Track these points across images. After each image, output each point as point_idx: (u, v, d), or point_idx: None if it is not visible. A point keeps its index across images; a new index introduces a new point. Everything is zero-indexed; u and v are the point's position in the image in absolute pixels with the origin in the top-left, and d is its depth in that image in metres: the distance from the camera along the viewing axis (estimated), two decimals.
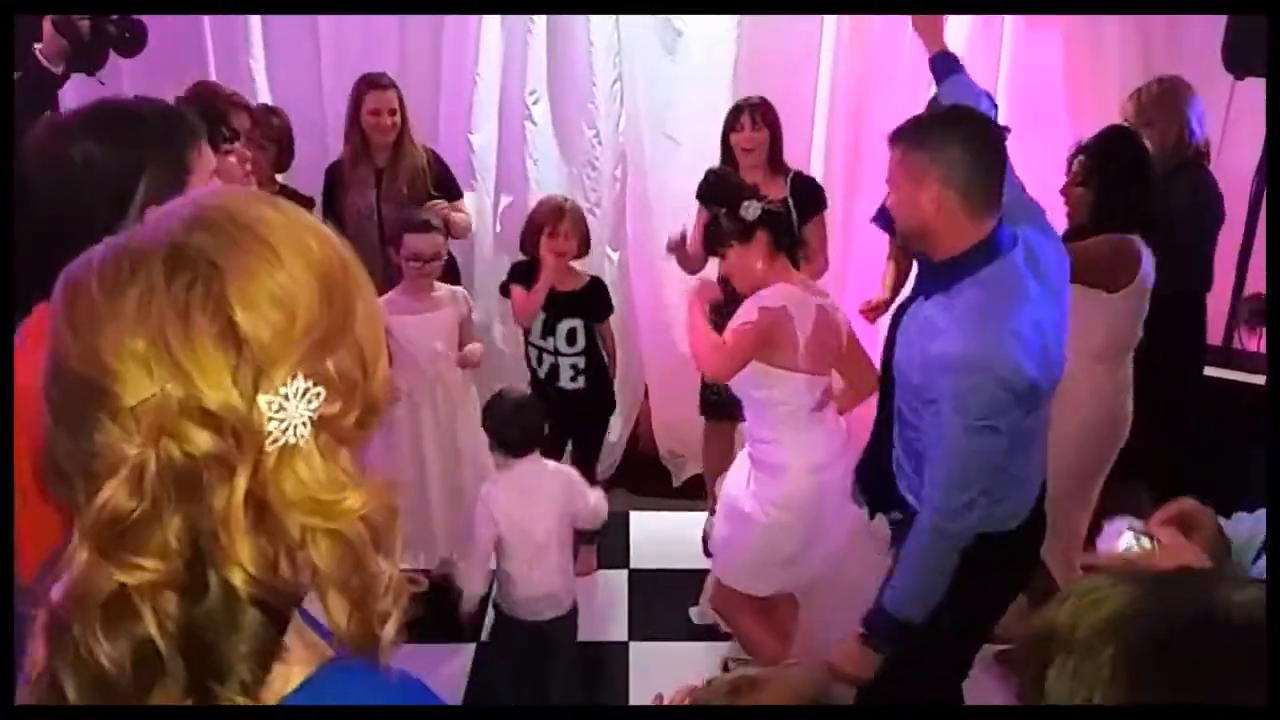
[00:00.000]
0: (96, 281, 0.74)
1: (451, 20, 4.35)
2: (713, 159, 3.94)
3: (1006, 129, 2.34)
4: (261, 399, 0.73)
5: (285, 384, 0.73)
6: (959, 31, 4.29)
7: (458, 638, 3.38)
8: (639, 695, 3.30)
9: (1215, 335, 3.99)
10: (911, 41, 4.36)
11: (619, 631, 3.66)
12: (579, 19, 4.28)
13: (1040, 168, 3.40)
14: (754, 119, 3.79)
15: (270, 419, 0.73)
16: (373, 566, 0.77)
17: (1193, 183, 3.53)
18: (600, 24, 4.28)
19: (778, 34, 4.33)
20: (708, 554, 3.60)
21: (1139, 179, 3.13)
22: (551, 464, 3.12)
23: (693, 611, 3.65)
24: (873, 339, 4.12)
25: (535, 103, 4.39)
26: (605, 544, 4.03)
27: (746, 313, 2.90)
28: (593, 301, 3.78)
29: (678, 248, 3.77)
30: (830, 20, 4.31)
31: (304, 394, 0.74)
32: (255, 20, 4.37)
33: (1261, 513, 1.67)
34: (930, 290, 2.30)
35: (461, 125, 4.41)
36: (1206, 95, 3.69)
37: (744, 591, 3.05)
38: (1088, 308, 2.80)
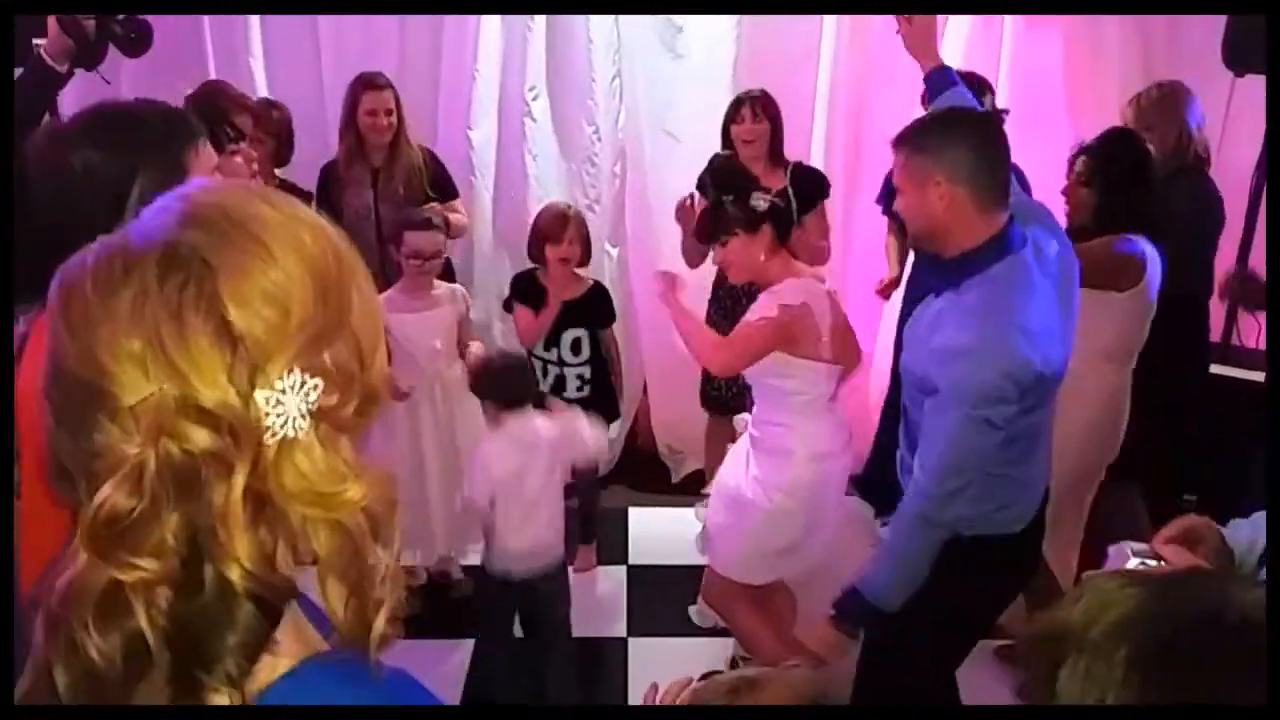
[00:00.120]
0: (90, 282, 0.74)
1: (451, 17, 4.35)
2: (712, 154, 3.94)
3: (1005, 111, 2.34)
4: (258, 394, 0.73)
5: (281, 379, 0.74)
6: (958, 32, 4.30)
7: (456, 634, 3.38)
8: (638, 692, 3.29)
9: (1214, 332, 3.99)
10: None
11: (618, 628, 3.67)
12: (578, 16, 4.28)
13: (1040, 168, 3.41)
14: (754, 111, 3.80)
15: (267, 414, 0.73)
16: (371, 557, 0.78)
17: (1193, 187, 3.54)
18: (600, 21, 4.28)
19: (778, 32, 4.33)
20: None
21: (1141, 180, 3.13)
22: (543, 420, 3.10)
23: (692, 611, 3.65)
24: (872, 325, 4.13)
25: (534, 99, 4.39)
26: (604, 540, 4.04)
27: (765, 308, 2.87)
28: (596, 309, 3.77)
29: (686, 212, 3.69)
30: (830, 19, 4.31)
31: (301, 387, 0.74)
32: (255, 19, 4.37)
33: (1260, 517, 1.66)
34: (941, 288, 2.32)
35: (461, 121, 4.41)
36: (1206, 93, 3.69)
37: (741, 581, 3.04)
38: (1096, 308, 2.81)
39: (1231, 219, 3.72)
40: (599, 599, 3.82)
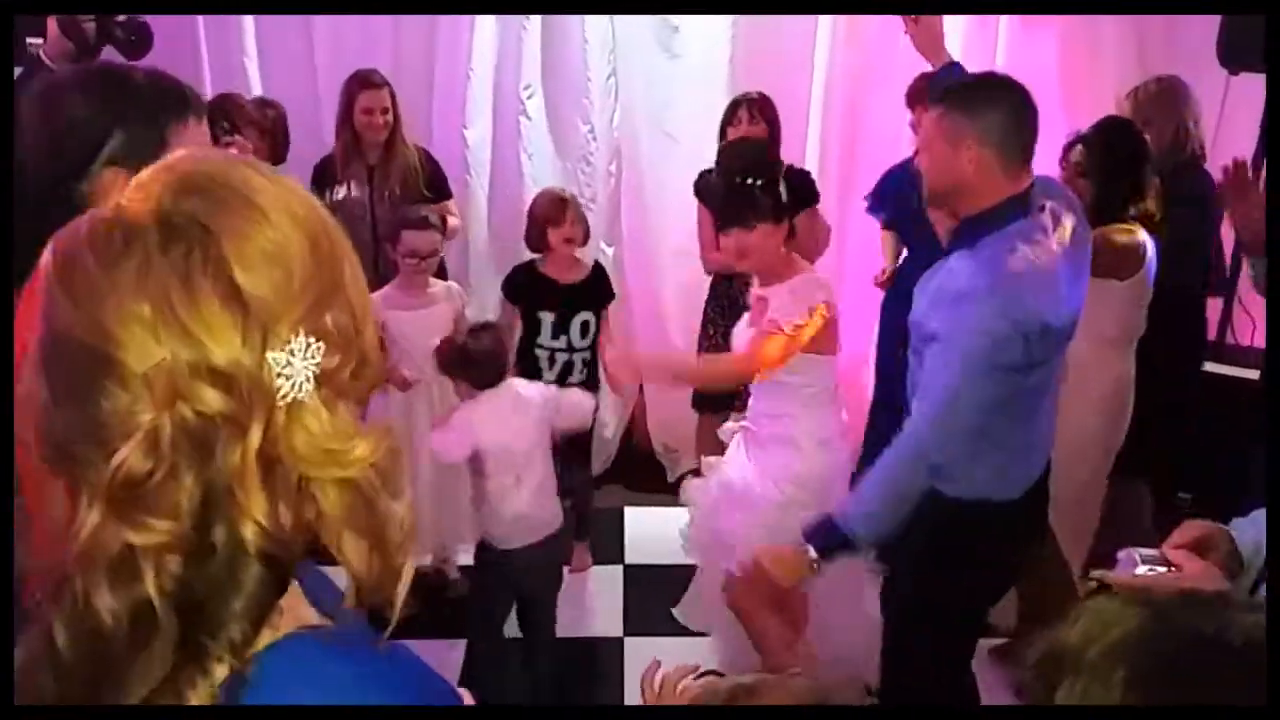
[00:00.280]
0: (90, 254, 0.75)
1: (446, 17, 4.34)
2: (708, 155, 3.94)
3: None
4: (270, 356, 0.74)
5: (291, 340, 0.75)
6: (954, 31, 4.29)
7: (452, 634, 3.38)
8: (634, 691, 3.29)
9: (1210, 330, 4.00)
10: (906, 39, 4.36)
11: (613, 627, 3.67)
12: (574, 15, 4.28)
13: (1036, 166, 3.40)
14: (751, 114, 3.80)
15: (279, 375, 0.74)
16: (384, 510, 0.80)
17: (1190, 184, 3.53)
18: (595, 20, 4.28)
19: (774, 32, 4.33)
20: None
21: (1138, 170, 3.14)
22: (521, 382, 3.08)
23: (675, 612, 3.63)
24: (867, 323, 4.12)
25: (530, 98, 4.39)
26: (600, 539, 4.04)
27: (793, 311, 2.81)
28: (599, 289, 3.76)
29: None
30: (825, 19, 4.31)
31: (307, 349, 0.76)
32: (249, 18, 4.36)
33: (1260, 515, 1.65)
34: (955, 247, 2.33)
35: (456, 120, 4.40)
36: (1201, 91, 3.69)
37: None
38: (1098, 296, 2.82)
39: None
40: (595, 599, 3.82)
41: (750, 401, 3.06)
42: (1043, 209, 2.30)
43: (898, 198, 3.66)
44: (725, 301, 3.82)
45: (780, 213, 2.85)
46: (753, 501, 2.94)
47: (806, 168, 4.16)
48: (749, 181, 2.86)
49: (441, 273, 3.90)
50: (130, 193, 0.78)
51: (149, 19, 3.20)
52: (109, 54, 3.25)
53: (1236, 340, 4.02)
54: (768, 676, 1.28)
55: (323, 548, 0.79)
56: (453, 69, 4.38)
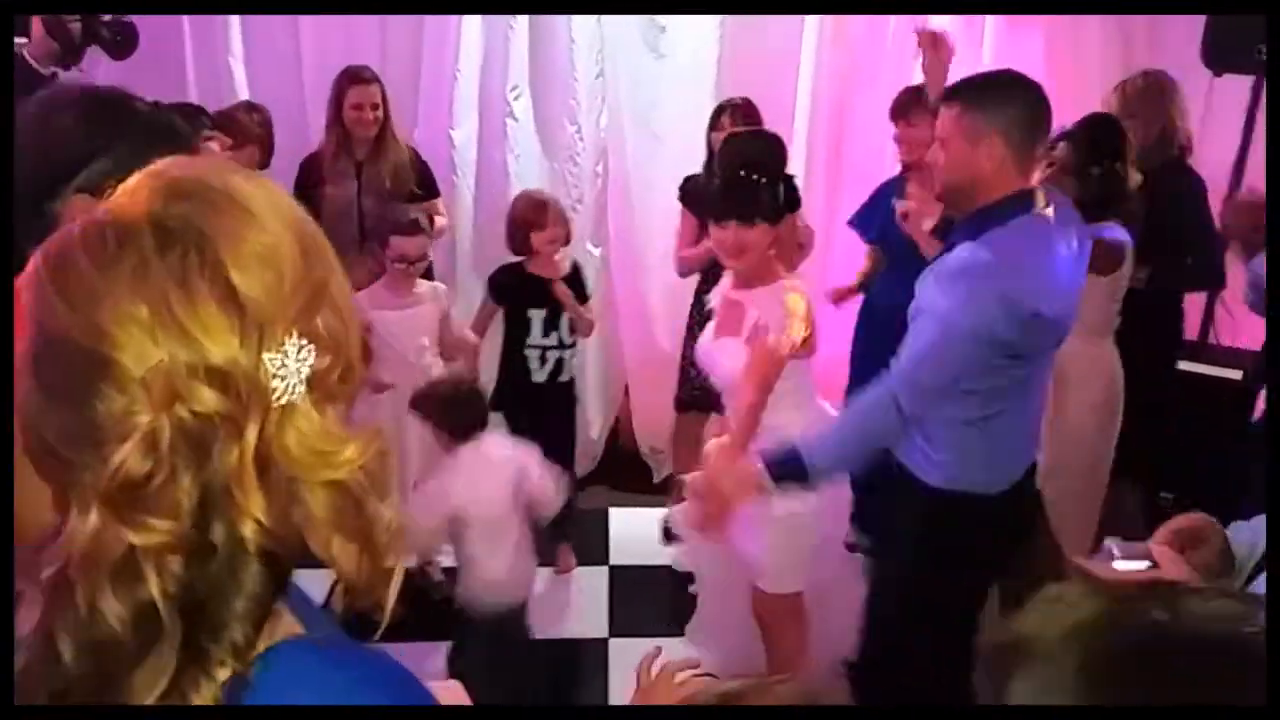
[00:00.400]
0: (84, 256, 0.75)
1: (433, 16, 4.33)
2: (695, 155, 3.95)
3: None
4: (266, 357, 0.75)
5: (285, 342, 0.76)
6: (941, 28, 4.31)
7: (436, 636, 3.37)
8: (619, 692, 3.30)
9: (1191, 330, 4.02)
10: (893, 41, 4.38)
11: (599, 628, 3.67)
12: (561, 15, 4.27)
13: None
14: (735, 119, 3.79)
15: (275, 376, 0.75)
16: (372, 512, 0.80)
17: (1176, 181, 3.55)
18: (582, 20, 4.28)
19: (760, 32, 4.34)
20: (668, 541, 3.55)
21: (1121, 167, 3.17)
22: (494, 440, 3.07)
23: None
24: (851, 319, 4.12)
25: (516, 98, 4.38)
26: (585, 541, 4.03)
27: (782, 318, 2.74)
28: (579, 286, 3.75)
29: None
30: (811, 20, 4.32)
31: (300, 351, 0.76)
32: (235, 17, 4.35)
33: (1260, 521, 1.66)
34: (959, 239, 2.36)
35: (442, 120, 4.40)
36: (1185, 92, 3.71)
37: (793, 591, 2.89)
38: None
39: None
40: (580, 600, 3.81)
41: (730, 415, 2.94)
42: (1049, 205, 2.35)
43: (883, 216, 3.66)
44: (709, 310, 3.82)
45: (778, 214, 2.79)
46: (775, 518, 2.75)
47: (792, 168, 4.16)
48: (754, 176, 2.77)
49: (428, 273, 3.89)
50: (119, 197, 0.79)
51: (135, 19, 3.20)
52: (95, 54, 3.25)
53: (1218, 340, 4.04)
54: (756, 682, 1.28)
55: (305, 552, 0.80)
56: (439, 70, 4.37)
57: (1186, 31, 3.93)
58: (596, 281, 4.48)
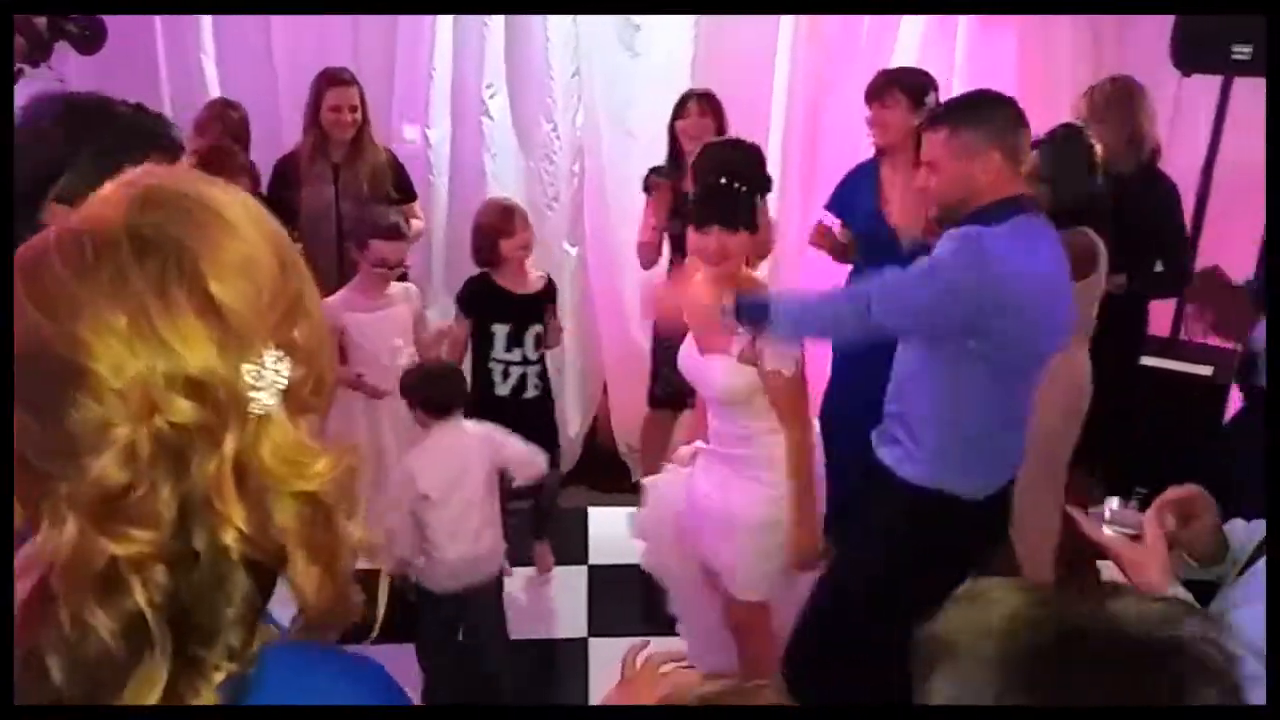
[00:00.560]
0: (61, 265, 0.74)
1: (407, 16, 4.31)
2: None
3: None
4: (244, 368, 0.75)
5: (263, 352, 0.76)
6: (913, 28, 4.34)
7: (411, 638, 3.35)
8: (599, 691, 3.29)
9: (1162, 327, 4.06)
10: (866, 39, 4.40)
11: (578, 628, 3.67)
12: (536, 14, 4.27)
13: None
14: (700, 107, 3.82)
15: (252, 386, 0.75)
16: (340, 528, 0.80)
17: (1145, 186, 3.58)
18: (558, 19, 4.27)
19: (735, 32, 4.34)
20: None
21: (1091, 174, 3.19)
22: (469, 423, 3.06)
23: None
24: None
25: (492, 97, 4.37)
26: (564, 540, 4.03)
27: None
28: (551, 301, 3.72)
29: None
30: (786, 19, 4.33)
31: (277, 361, 0.76)
32: (207, 16, 4.31)
33: (1258, 524, 1.66)
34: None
35: (418, 120, 4.38)
36: (1154, 93, 3.74)
37: (764, 599, 2.90)
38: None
39: None
40: (559, 599, 3.81)
41: (712, 423, 2.91)
42: (1037, 212, 2.45)
43: (856, 198, 3.69)
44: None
45: (755, 223, 2.79)
46: (754, 526, 2.79)
47: (768, 164, 4.17)
48: (735, 184, 2.77)
49: (403, 274, 3.88)
50: (93, 206, 0.78)
51: (106, 17, 3.17)
52: (63, 49, 3.22)
53: (1189, 337, 4.08)
54: (737, 686, 1.28)
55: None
56: (413, 69, 4.35)
57: (1156, 32, 3.97)
58: (574, 280, 4.48)
